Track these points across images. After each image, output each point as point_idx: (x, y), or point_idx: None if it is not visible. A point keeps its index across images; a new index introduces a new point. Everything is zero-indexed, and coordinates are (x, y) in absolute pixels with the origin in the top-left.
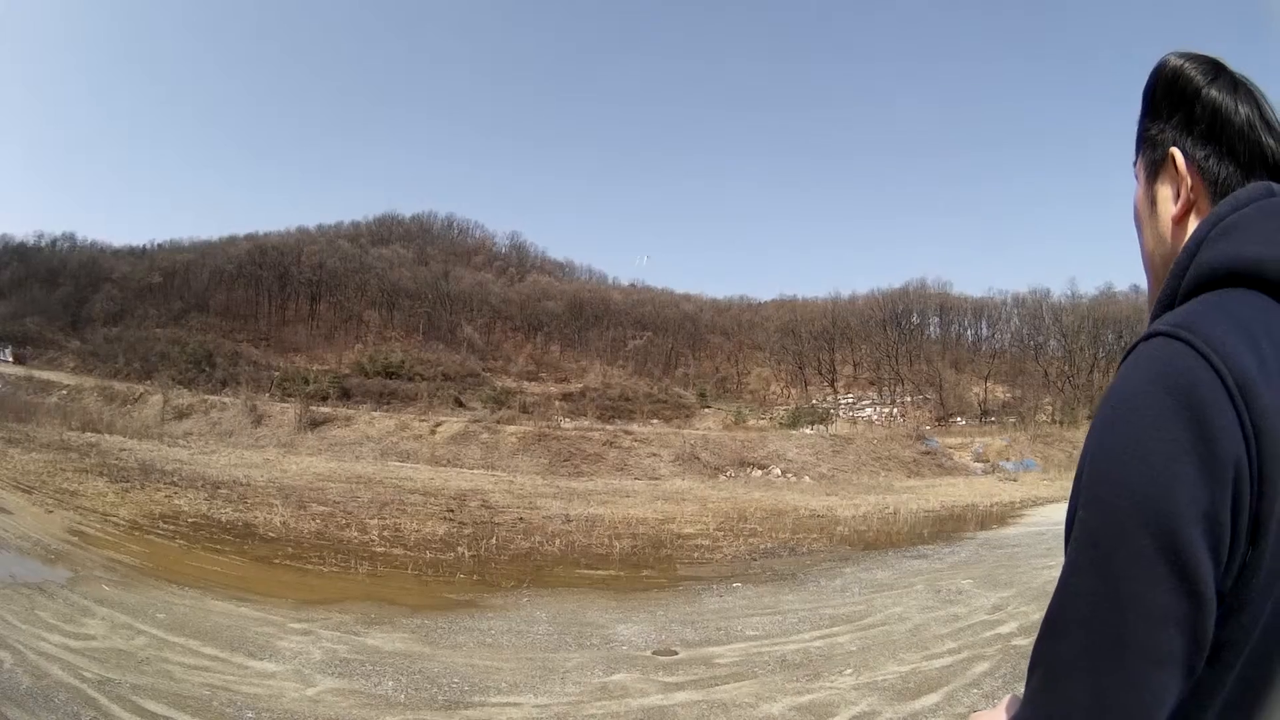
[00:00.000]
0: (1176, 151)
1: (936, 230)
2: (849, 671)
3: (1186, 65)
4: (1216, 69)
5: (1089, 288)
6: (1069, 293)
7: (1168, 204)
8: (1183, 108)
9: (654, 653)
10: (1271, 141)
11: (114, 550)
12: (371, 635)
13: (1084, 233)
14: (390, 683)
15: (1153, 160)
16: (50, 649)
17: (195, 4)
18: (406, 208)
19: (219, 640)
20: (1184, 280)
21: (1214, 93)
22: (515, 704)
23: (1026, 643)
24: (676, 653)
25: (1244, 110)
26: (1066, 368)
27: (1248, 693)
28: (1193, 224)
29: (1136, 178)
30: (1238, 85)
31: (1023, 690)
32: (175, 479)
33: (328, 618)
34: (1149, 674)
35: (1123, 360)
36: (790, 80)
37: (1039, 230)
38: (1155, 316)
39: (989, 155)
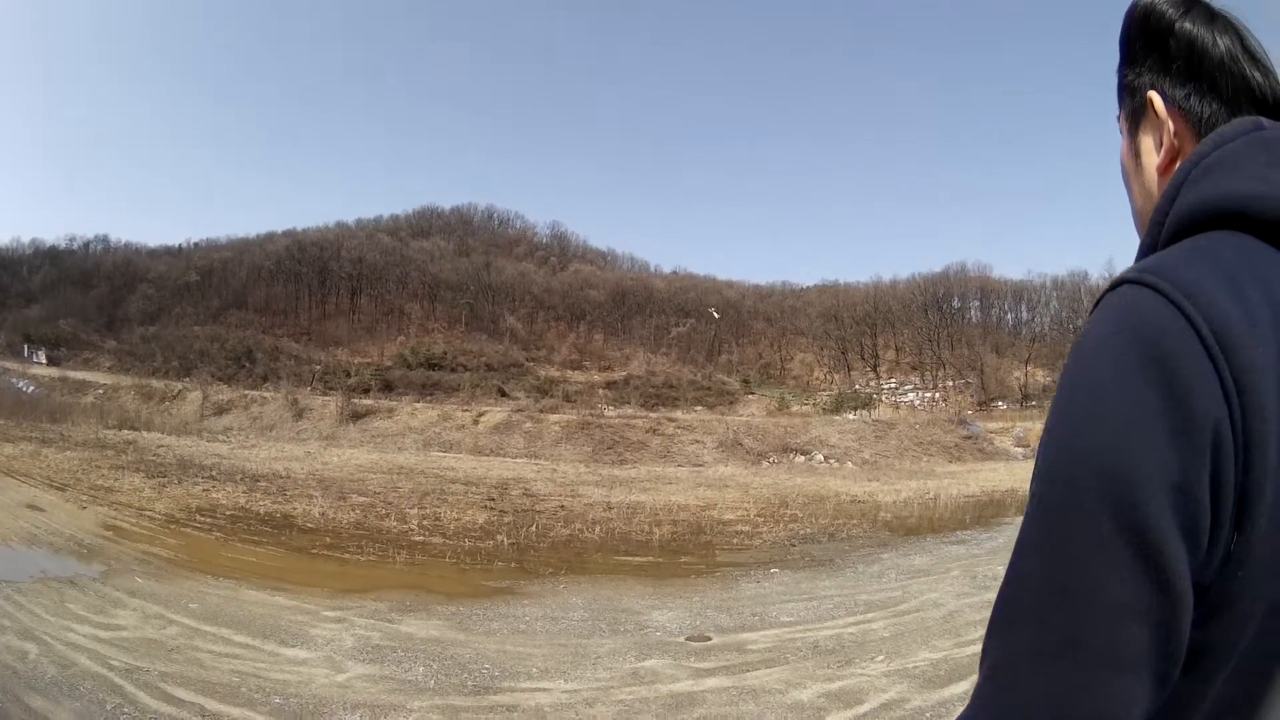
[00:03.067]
0: (1154, 95)
1: (976, 213)
2: (880, 658)
3: (1158, 1)
4: (1190, 1)
5: (1125, 268)
6: (1106, 275)
7: (1151, 155)
8: (1157, 47)
9: (687, 639)
10: (1257, 74)
11: (148, 544)
12: (405, 623)
13: (1120, 214)
14: (421, 669)
15: (1133, 109)
16: (79, 640)
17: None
18: (446, 200)
19: (251, 629)
20: (1164, 227)
21: (1188, 25)
22: (544, 689)
23: None
24: (710, 639)
25: (1223, 42)
26: None
27: (1237, 713)
28: None
29: (1121, 132)
30: (1215, 16)
31: None
32: (214, 473)
33: (363, 606)
34: (1108, 680)
35: (1090, 314)
36: (832, 66)
37: (1077, 211)
38: None
39: (1028, 138)
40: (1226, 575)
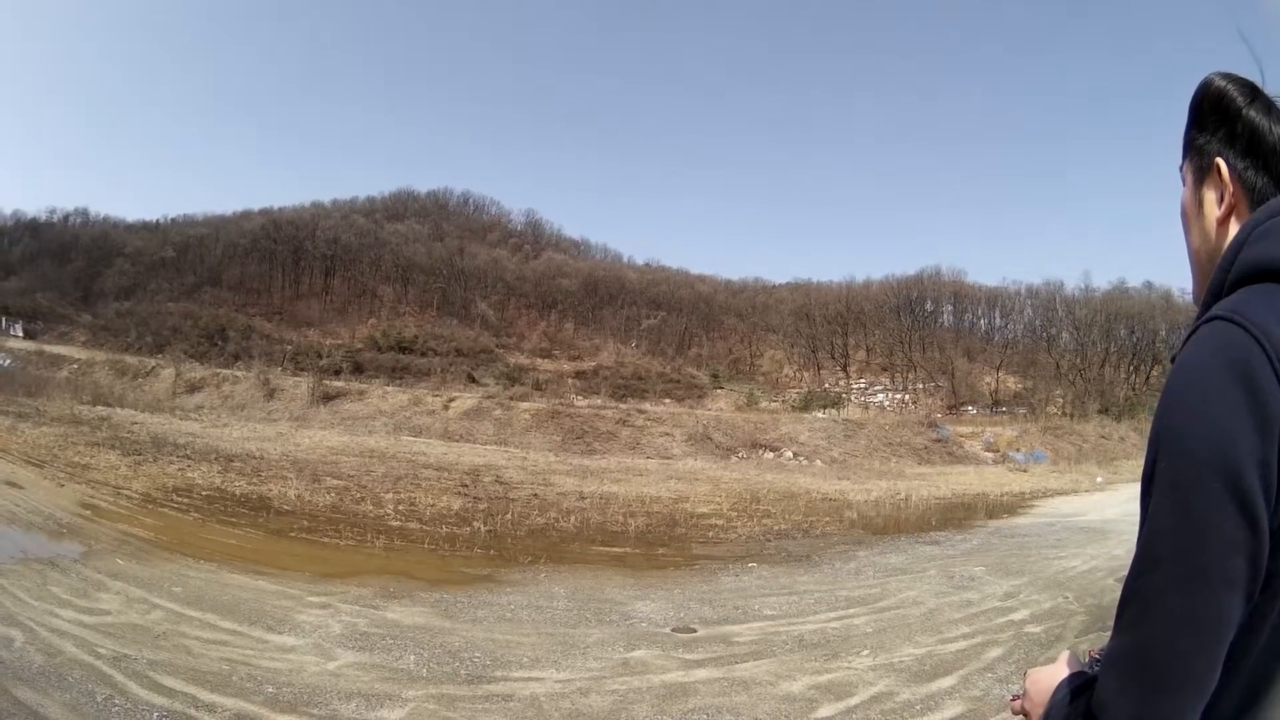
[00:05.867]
0: (1222, 162)
1: (952, 218)
2: (866, 652)
3: (1229, 87)
4: (1254, 91)
5: (1102, 282)
6: (1083, 286)
7: (1212, 207)
8: (1226, 124)
9: (673, 630)
10: None
11: (127, 524)
12: (390, 609)
13: (1098, 227)
14: (412, 657)
15: (1199, 166)
16: (63, 625)
17: None
18: (422, 184)
19: (237, 614)
20: (1229, 274)
21: (1253, 114)
22: (538, 678)
23: (1039, 630)
24: (695, 630)
25: (1277, 130)
26: (1078, 361)
27: None
28: (1233, 226)
29: (1183, 180)
30: (1271, 108)
31: (1073, 648)
32: (188, 452)
33: (346, 591)
34: (1225, 595)
35: (1186, 339)
36: (811, 65)
37: (1054, 222)
38: (1206, 304)
39: (1007, 146)
40: None
